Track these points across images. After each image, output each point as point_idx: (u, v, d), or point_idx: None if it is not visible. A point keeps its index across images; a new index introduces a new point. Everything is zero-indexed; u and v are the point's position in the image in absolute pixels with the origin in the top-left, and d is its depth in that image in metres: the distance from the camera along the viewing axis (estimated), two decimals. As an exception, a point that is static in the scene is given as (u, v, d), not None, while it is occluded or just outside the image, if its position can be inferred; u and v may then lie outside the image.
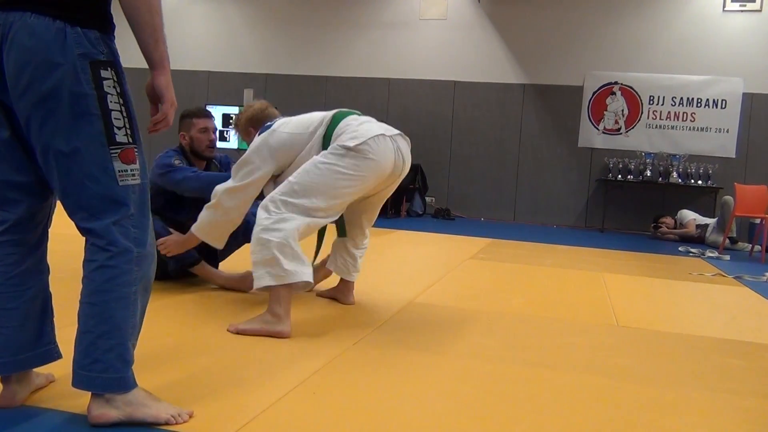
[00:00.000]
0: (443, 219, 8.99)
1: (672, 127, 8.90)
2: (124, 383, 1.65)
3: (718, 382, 2.43)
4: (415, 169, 9.02)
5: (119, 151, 1.63)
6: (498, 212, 9.41)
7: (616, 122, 9.04)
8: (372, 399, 2.00)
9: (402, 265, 4.79)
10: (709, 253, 6.69)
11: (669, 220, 8.16)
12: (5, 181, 1.68)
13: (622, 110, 9.01)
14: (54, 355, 1.82)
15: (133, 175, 1.66)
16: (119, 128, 1.63)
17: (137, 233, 1.67)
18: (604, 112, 9.06)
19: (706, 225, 7.77)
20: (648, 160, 8.78)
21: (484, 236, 6.91)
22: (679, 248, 7.07)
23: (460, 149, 9.53)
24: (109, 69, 1.63)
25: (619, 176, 8.82)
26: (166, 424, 1.66)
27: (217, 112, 9.44)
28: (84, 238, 1.68)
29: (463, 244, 6.11)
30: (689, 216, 8.00)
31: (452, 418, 1.89)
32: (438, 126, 9.55)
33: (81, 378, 1.63)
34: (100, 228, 1.63)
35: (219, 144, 9.28)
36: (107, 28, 1.65)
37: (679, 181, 8.63)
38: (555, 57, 9.18)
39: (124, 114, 1.65)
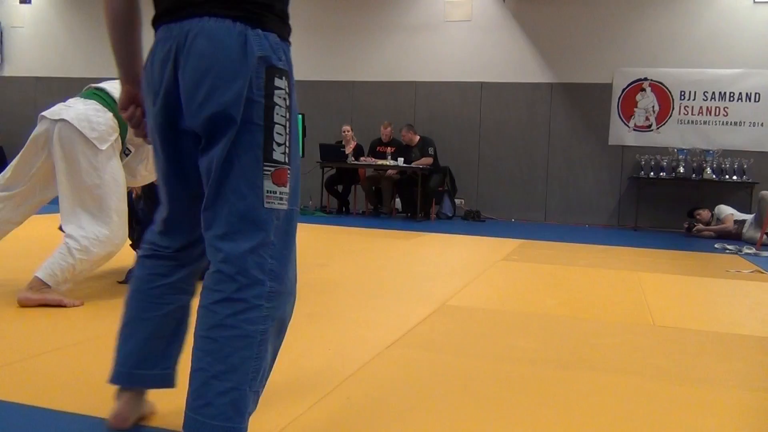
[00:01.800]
0: (473, 221, 8.95)
1: (704, 122, 8.75)
2: None
3: (758, 381, 2.38)
4: (443, 171, 9.00)
5: (273, 169, 1.44)
6: (528, 213, 9.34)
7: (647, 119, 8.92)
8: (405, 404, 1.99)
9: (433, 267, 4.77)
10: (746, 250, 6.55)
11: (705, 213, 8.02)
12: (181, 210, 1.61)
13: (653, 106, 8.89)
14: (170, 381, 1.68)
15: (281, 198, 1.46)
16: (279, 144, 1.45)
17: (274, 265, 1.45)
18: (635, 109, 8.94)
19: (743, 221, 7.62)
20: (681, 156, 8.64)
21: (515, 237, 6.87)
22: (715, 245, 6.94)
23: (489, 150, 9.49)
24: (283, 78, 1.47)
25: (652, 173, 8.70)
26: None
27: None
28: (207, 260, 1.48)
29: (495, 246, 6.07)
30: (727, 211, 7.84)
31: (486, 422, 1.88)
32: (466, 128, 9.52)
33: (190, 422, 1.39)
34: (233, 253, 1.41)
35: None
36: (286, 34, 1.52)
37: (714, 176, 8.48)
38: (583, 55, 9.09)
39: (287, 131, 1.47)
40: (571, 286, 4.18)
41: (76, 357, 2.29)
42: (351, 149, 8.97)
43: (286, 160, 1.46)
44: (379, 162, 8.75)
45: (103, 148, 2.96)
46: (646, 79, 8.89)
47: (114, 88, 3.16)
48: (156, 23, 1.53)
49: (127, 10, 1.61)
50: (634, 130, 8.96)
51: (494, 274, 4.47)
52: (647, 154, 8.78)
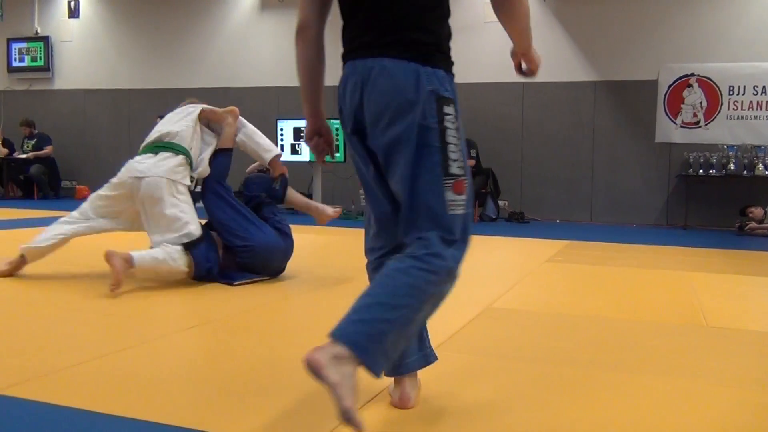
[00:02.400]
0: (517, 222, 8.86)
1: (755, 117, 8.50)
2: (363, 358, 1.57)
3: (819, 384, 2.29)
4: (486, 173, 8.93)
5: (452, 182, 1.70)
6: (574, 213, 9.21)
7: (695, 115, 8.71)
8: (450, 408, 1.97)
9: (477, 270, 4.74)
10: (802, 248, 6.34)
11: (758, 211, 7.78)
12: (382, 212, 1.85)
13: (701, 102, 8.67)
14: (432, 357, 1.98)
15: (461, 205, 1.71)
16: (454, 161, 1.71)
17: (455, 254, 1.72)
18: (682, 106, 8.74)
19: (799, 218, 7.38)
20: (731, 153, 8.41)
21: (560, 238, 6.77)
22: (769, 243, 6.73)
23: (532, 151, 9.38)
24: (451, 105, 1.73)
25: (701, 171, 8.49)
26: (344, 414, 1.50)
27: (287, 126, 9.62)
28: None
29: (539, 247, 5.99)
30: (781, 208, 7.61)
31: (533, 426, 1.85)
32: (508, 128, 9.43)
33: (340, 324, 1.62)
34: (425, 236, 1.68)
35: (291, 157, 9.47)
36: (450, 68, 1.79)
37: (766, 173, 8.23)
38: (626, 52, 8.93)
39: (459, 148, 1.72)
40: (619, 288, 4.09)
41: (133, 360, 2.34)
42: (392, 153, 8.99)
43: (463, 173, 1.72)
44: (321, 163, 8.70)
45: (186, 183, 3.72)
46: (693, 74, 8.68)
47: (162, 134, 3.87)
48: (345, 59, 1.84)
49: (317, 58, 1.94)
50: (682, 127, 8.75)
51: (539, 276, 4.41)
52: (696, 151, 8.57)
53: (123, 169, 3.81)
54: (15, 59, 12.02)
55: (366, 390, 2.06)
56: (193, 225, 3.67)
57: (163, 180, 3.65)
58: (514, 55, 1.94)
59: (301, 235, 4.22)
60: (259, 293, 3.60)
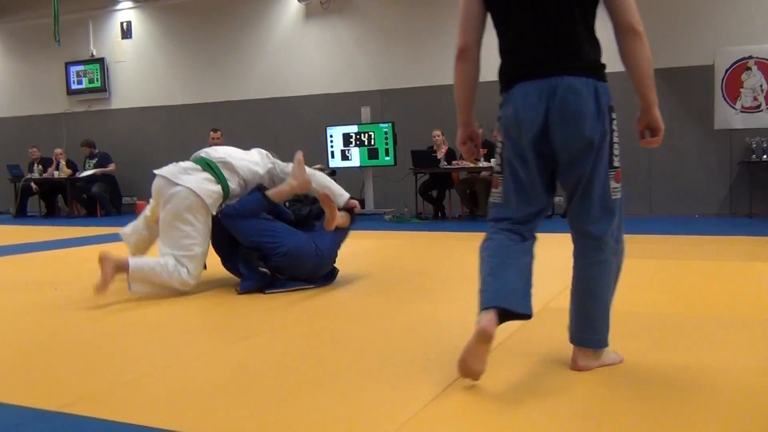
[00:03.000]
0: (573, 218, 8.67)
1: (820, 97, 8.11)
2: (605, 342, 2.25)
3: None
4: (539, 169, 8.76)
5: (614, 173, 2.15)
6: (632, 206, 8.95)
7: (755, 99, 8.36)
8: (504, 415, 1.91)
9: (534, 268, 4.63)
10: None
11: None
12: (531, 212, 2.24)
13: (761, 85, 8.32)
14: (530, 312, 2.19)
15: (619, 191, 2.17)
16: (615, 156, 2.16)
17: (617, 234, 2.21)
18: (741, 90, 8.41)
19: None
20: (796, 135, 8.05)
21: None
22: (843, 228, 6.40)
23: (585, 144, 9.16)
24: (613, 112, 2.16)
25: (765, 156, 8.14)
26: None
27: (337, 132, 9.65)
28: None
29: (597, 243, 5.83)
30: None
31: None
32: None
33: (579, 339, 2.26)
34: (597, 232, 2.16)
35: (342, 163, 9.47)
36: (606, 80, 2.16)
37: (835, 154, 7.85)
38: (679, 37, 8.64)
39: (617, 144, 2.17)
40: (682, 282, 3.94)
41: (189, 373, 2.35)
42: (443, 154, 8.90)
43: (619, 164, 2.17)
44: (472, 164, 8.64)
45: (213, 213, 3.73)
46: (750, 57, 8.34)
47: (223, 159, 3.90)
48: (519, 77, 2.15)
49: (475, 77, 2.29)
50: (742, 111, 8.42)
51: (598, 273, 4.27)
52: (758, 137, 8.22)
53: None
54: (74, 82, 12.43)
55: (416, 398, 2.02)
56: (200, 248, 3.71)
57: (193, 196, 3.66)
58: (640, 120, 2.16)
59: (355, 241, 4.20)
60: (309, 301, 3.59)
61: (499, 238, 2.23)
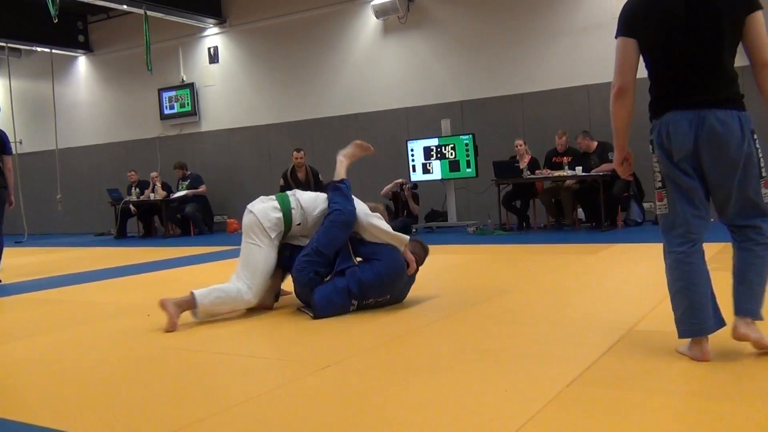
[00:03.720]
0: (666, 225, 8.30)
1: None
2: (761, 314, 2.56)
3: None
4: (627, 175, 8.45)
5: (763, 181, 2.57)
6: None
7: None
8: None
9: (620, 285, 4.46)
10: None
11: None
12: (697, 215, 2.62)
13: None
14: (724, 323, 2.60)
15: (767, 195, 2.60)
16: (762, 167, 2.57)
17: None
18: None
19: None
20: None
21: (715, 240, 6.23)
22: None
23: (676, 148, 8.77)
24: (754, 132, 2.57)
25: None
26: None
27: (417, 146, 9.64)
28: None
29: (690, 254, 5.55)
30: None
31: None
32: (645, 125, 8.88)
33: (741, 309, 2.56)
34: (754, 223, 2.58)
35: (423, 176, 9.45)
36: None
37: None
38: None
39: (762, 158, 2.58)
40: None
41: (276, 404, 2.38)
42: (525, 163, 8.73)
43: (767, 174, 2.59)
44: (557, 173, 8.43)
45: (272, 236, 3.98)
46: None
47: (296, 199, 4.12)
48: (668, 107, 2.62)
49: (631, 112, 2.72)
50: None
51: (691, 289, 4.05)
52: None
53: None
54: (166, 107, 12.98)
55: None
56: (261, 266, 3.92)
57: (255, 219, 3.98)
58: None
59: (437, 257, 4.18)
60: (383, 325, 3.57)
61: (680, 254, 2.62)
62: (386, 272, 3.87)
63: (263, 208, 4.03)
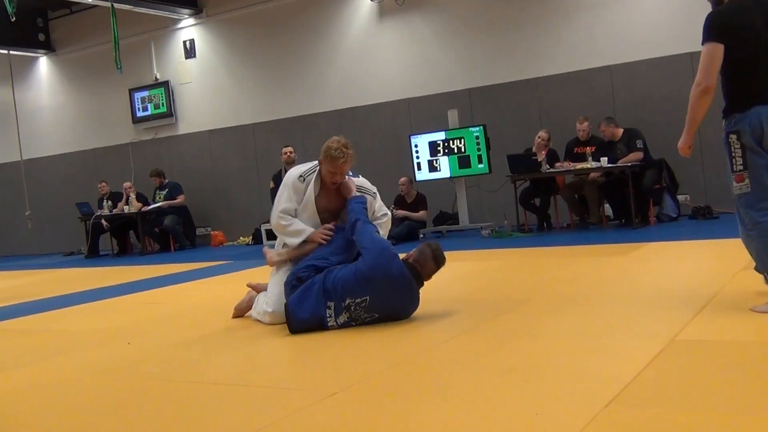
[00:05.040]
0: (703, 219, 8.30)
1: None
2: None
3: None
4: (658, 165, 8.46)
5: None
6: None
7: None
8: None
9: (656, 289, 4.45)
10: None
11: None
12: None
13: None
14: None
15: None
16: None
17: None
18: None
19: None
20: None
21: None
22: None
23: (713, 133, 8.75)
24: None
25: None
26: None
27: (422, 141, 9.64)
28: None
29: (733, 251, 5.51)
30: None
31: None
32: (679, 110, 8.84)
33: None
34: None
35: (430, 175, 9.41)
36: None
37: None
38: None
39: None
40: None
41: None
42: (543, 155, 8.73)
43: None
44: (579, 165, 8.43)
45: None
46: None
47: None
48: (752, 104, 3.40)
49: (709, 105, 3.49)
50: None
51: (736, 291, 4.05)
52: None
53: None
54: (139, 109, 13.01)
55: None
56: (275, 278, 4.35)
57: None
58: None
59: (449, 264, 4.17)
60: (395, 343, 3.57)
61: None
62: (364, 269, 3.91)
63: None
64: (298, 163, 9.85)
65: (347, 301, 3.91)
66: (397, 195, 9.74)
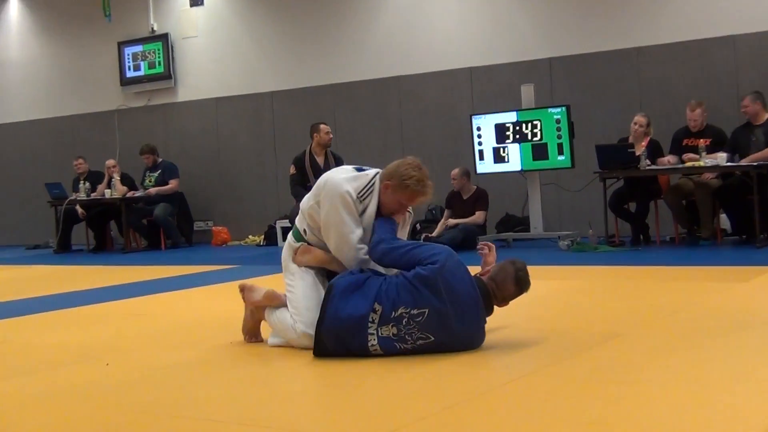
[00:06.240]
0: None
1: None
2: None
3: None
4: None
5: None
6: None
7: None
8: None
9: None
10: None
11: None
12: None
13: None
14: None
15: None
16: None
17: None
18: None
19: None
20: None
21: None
22: None
23: None
24: None
25: None
26: None
27: (486, 123, 9.55)
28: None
29: None
30: None
31: None
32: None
33: None
34: None
35: (494, 167, 9.34)
36: None
37: None
38: None
39: None
40: None
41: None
42: (643, 147, 8.62)
43: None
44: (689, 162, 8.31)
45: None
46: None
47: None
48: None
49: None
50: None
51: None
52: None
53: None
54: (129, 68, 13.15)
55: None
56: (300, 300, 4.25)
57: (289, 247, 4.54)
58: None
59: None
60: (450, 382, 3.55)
61: None
62: (426, 273, 3.85)
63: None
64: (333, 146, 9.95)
65: (400, 311, 3.84)
66: (449, 193, 9.69)
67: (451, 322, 3.87)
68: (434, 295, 3.82)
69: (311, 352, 3.99)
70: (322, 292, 4.12)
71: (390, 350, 3.87)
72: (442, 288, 3.82)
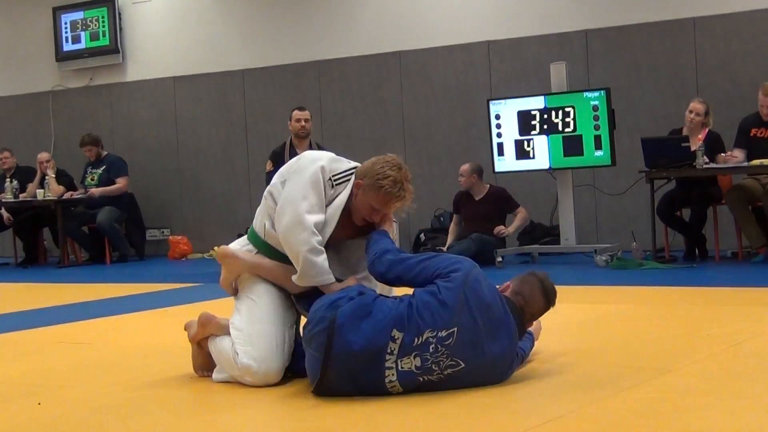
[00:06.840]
0: None
1: None
2: None
3: None
4: None
5: None
6: None
7: None
8: None
9: None
10: None
11: None
12: None
13: None
14: None
15: None
16: None
17: None
18: None
19: None
20: None
21: None
22: None
23: None
24: None
25: None
26: None
27: (507, 109, 9.55)
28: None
29: None
30: None
31: None
32: None
33: None
34: None
35: (517, 164, 9.38)
36: None
37: None
38: None
39: None
40: None
41: None
42: (700, 141, 8.64)
43: None
44: (758, 160, 8.32)
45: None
46: None
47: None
48: None
49: None
50: None
51: None
52: None
53: None
54: (67, 40, 13.15)
55: None
56: (246, 325, 4.27)
57: None
58: None
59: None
60: (471, 422, 3.57)
61: None
62: (449, 284, 3.85)
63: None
64: (314, 137, 9.94)
65: (425, 335, 3.82)
66: (456, 194, 9.61)
67: (483, 342, 3.86)
68: (463, 309, 3.82)
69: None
70: (284, 314, 4.22)
71: (411, 386, 3.83)
72: (471, 299, 3.83)
